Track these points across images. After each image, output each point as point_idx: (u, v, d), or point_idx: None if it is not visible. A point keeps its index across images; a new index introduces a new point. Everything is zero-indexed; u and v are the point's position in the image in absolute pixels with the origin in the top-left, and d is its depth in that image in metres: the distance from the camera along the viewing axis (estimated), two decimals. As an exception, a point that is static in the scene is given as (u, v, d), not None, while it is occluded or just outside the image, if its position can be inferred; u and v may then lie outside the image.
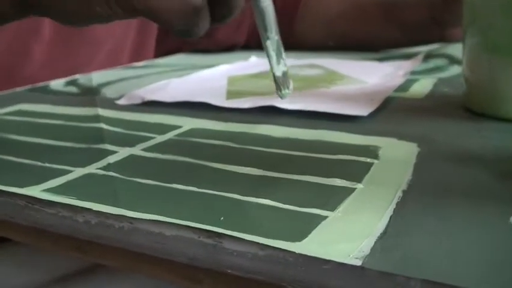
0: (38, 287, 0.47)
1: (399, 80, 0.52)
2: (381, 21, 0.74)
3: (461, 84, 0.44)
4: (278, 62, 0.31)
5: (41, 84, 0.57)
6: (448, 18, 0.68)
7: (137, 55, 0.76)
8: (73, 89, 0.55)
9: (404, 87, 0.50)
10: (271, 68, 0.32)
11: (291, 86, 0.32)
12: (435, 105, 0.43)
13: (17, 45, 0.61)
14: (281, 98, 0.32)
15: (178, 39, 0.80)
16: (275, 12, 0.31)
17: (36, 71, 0.62)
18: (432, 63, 0.63)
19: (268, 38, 0.31)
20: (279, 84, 0.32)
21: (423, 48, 0.73)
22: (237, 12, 0.30)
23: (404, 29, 0.72)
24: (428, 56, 0.66)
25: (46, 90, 0.54)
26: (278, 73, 0.32)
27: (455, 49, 0.70)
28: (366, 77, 0.54)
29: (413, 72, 0.57)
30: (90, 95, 0.51)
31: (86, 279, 0.48)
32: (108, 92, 0.52)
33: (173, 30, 0.29)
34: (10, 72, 0.61)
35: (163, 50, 0.80)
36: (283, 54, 0.32)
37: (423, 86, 0.50)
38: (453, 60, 0.63)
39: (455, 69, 0.58)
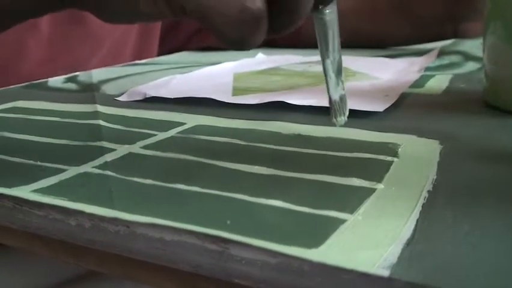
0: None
1: (414, 76, 0.50)
2: (393, 16, 0.72)
3: (478, 80, 0.41)
4: (337, 84, 0.29)
5: (39, 81, 0.55)
6: (463, 13, 0.65)
7: (139, 54, 0.74)
8: (72, 85, 0.53)
9: (419, 83, 0.47)
10: (328, 90, 0.29)
11: (348, 111, 0.29)
12: (453, 101, 0.41)
13: (12, 41, 0.59)
14: (336, 125, 0.29)
15: (182, 38, 0.78)
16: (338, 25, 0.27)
17: (34, 68, 0.60)
18: (447, 59, 0.60)
19: (328, 57, 0.28)
20: (335, 109, 0.29)
21: (436, 45, 0.71)
22: (299, 22, 0.25)
23: (416, 25, 0.70)
24: (442, 53, 0.64)
25: (44, 87, 0.52)
26: (335, 97, 0.29)
27: (469, 46, 0.67)
28: (379, 73, 0.51)
29: (427, 69, 0.54)
30: (89, 92, 0.49)
31: (84, 285, 0.46)
32: (108, 89, 0.50)
33: (224, 39, 0.24)
34: (6, 69, 0.59)
35: (166, 49, 0.78)
36: (343, 76, 0.29)
37: (439, 82, 0.47)
38: (468, 57, 0.61)
39: (471, 66, 0.56)
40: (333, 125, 0.29)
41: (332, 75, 0.28)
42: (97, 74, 0.58)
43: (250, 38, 0.24)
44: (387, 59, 0.62)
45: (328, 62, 0.28)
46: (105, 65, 0.65)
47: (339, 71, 0.28)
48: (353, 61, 0.59)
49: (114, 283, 0.45)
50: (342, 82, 0.29)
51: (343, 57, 0.65)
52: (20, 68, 0.60)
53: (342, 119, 0.29)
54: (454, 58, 0.61)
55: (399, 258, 0.18)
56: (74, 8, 0.30)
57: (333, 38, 0.27)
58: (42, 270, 0.46)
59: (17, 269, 0.46)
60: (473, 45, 0.65)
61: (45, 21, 0.61)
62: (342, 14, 0.82)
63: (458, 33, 0.70)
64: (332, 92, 0.29)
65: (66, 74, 0.58)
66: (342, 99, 0.29)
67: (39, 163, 0.29)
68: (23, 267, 0.46)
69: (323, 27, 0.27)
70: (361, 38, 0.73)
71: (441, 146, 0.30)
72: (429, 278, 0.17)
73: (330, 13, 0.27)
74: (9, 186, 0.26)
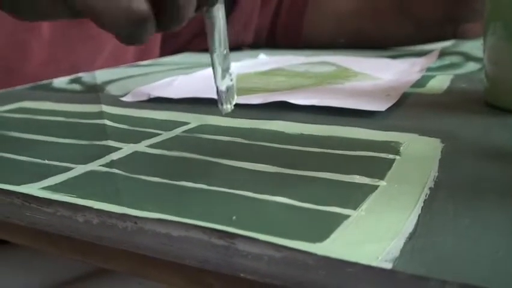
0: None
1: (415, 76, 0.50)
2: (394, 18, 0.72)
3: (479, 80, 0.42)
4: (223, 76, 0.31)
5: (43, 82, 0.55)
6: (463, 14, 0.66)
7: (141, 56, 0.74)
8: (76, 86, 0.53)
9: (420, 83, 0.48)
10: (215, 81, 0.31)
11: (234, 101, 0.31)
12: (455, 101, 0.41)
13: (15, 42, 0.59)
14: (222, 112, 0.31)
15: (184, 40, 0.79)
16: (226, 23, 0.30)
17: (37, 69, 0.61)
18: (448, 60, 0.61)
19: (215, 51, 0.30)
20: (222, 98, 0.31)
21: (437, 46, 0.71)
22: (183, 22, 0.28)
23: (418, 26, 0.70)
24: (442, 54, 0.65)
25: (48, 88, 0.52)
26: (222, 87, 0.31)
27: (470, 46, 0.68)
28: (381, 74, 0.52)
29: (428, 69, 0.55)
30: (94, 93, 0.49)
31: (91, 283, 0.46)
32: (112, 90, 0.50)
33: (117, 37, 0.28)
34: (9, 70, 0.59)
35: (168, 50, 0.79)
36: (231, 70, 0.31)
37: (440, 82, 0.48)
38: (468, 58, 0.61)
39: (472, 66, 0.56)
40: (220, 112, 0.31)
41: (218, 67, 0.31)
42: (100, 75, 0.59)
43: (138, 35, 0.27)
44: (388, 60, 0.63)
45: (215, 55, 0.30)
46: (108, 67, 0.66)
47: (226, 64, 0.31)
48: (355, 62, 0.60)
49: (119, 281, 0.45)
50: (230, 74, 0.31)
51: (345, 58, 0.66)
52: (23, 69, 0.60)
53: (228, 107, 0.31)
54: (455, 59, 0.61)
55: (402, 251, 0.19)
56: None
57: (220, 34, 0.30)
58: (48, 269, 0.46)
59: (24, 266, 0.47)
60: (474, 46, 0.66)
61: (46, 23, 0.61)
62: (344, 15, 0.82)
63: (458, 34, 0.70)
64: (218, 83, 0.31)
65: (69, 75, 0.59)
66: (229, 89, 0.31)
67: (46, 162, 0.30)
68: (29, 265, 0.46)
69: (210, 24, 0.30)
70: (363, 39, 0.74)
71: (443, 144, 0.30)
72: (433, 271, 0.17)
73: (216, 11, 0.30)
74: (18, 183, 0.26)
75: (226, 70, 0.31)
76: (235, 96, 0.32)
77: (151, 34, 0.28)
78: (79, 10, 0.27)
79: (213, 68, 0.31)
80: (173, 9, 0.27)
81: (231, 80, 0.31)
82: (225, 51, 0.31)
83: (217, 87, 0.31)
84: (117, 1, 0.26)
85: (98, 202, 0.24)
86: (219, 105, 0.31)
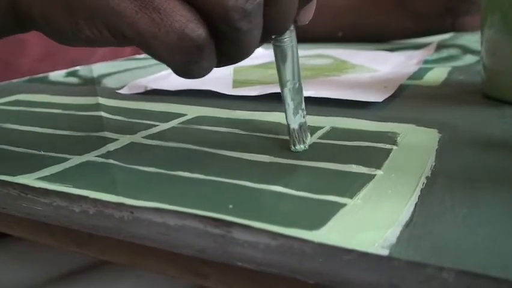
0: (39, 284, 0.45)
1: (412, 68, 0.50)
2: (393, 10, 0.72)
3: (477, 72, 0.42)
4: (296, 113, 0.28)
5: (40, 75, 0.55)
6: (461, 7, 0.66)
7: (138, 50, 0.74)
8: (73, 79, 0.53)
9: (418, 75, 0.47)
10: (287, 118, 0.28)
11: (309, 140, 0.29)
12: (452, 93, 0.41)
13: (11, 37, 0.59)
14: (294, 152, 0.28)
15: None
16: (298, 52, 0.27)
17: (34, 63, 0.60)
18: (446, 52, 0.60)
19: (286, 85, 0.27)
20: (294, 138, 0.28)
21: (434, 39, 0.71)
22: (250, 53, 0.24)
23: (416, 19, 0.70)
24: (440, 46, 0.64)
25: (45, 81, 0.52)
26: (294, 125, 0.28)
27: (467, 39, 0.68)
28: (378, 66, 0.52)
29: (426, 61, 0.54)
30: (90, 85, 0.49)
31: (89, 277, 0.46)
32: (109, 82, 0.50)
33: (169, 66, 0.24)
34: (7, 64, 0.59)
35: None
36: (303, 104, 0.28)
37: (438, 74, 0.48)
38: (466, 50, 0.61)
39: (469, 58, 0.56)
40: (293, 151, 0.28)
41: (290, 103, 0.28)
42: (97, 68, 0.59)
43: (194, 66, 0.23)
44: (386, 53, 0.63)
45: (286, 90, 0.27)
46: (106, 61, 0.65)
47: (299, 98, 0.28)
48: (353, 55, 0.60)
49: (117, 274, 0.45)
50: (303, 110, 0.28)
51: (342, 51, 0.66)
52: (20, 63, 0.60)
53: (302, 147, 0.28)
54: (453, 51, 0.61)
55: (399, 239, 0.19)
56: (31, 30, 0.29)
57: (292, 65, 0.27)
58: (44, 262, 0.46)
59: (20, 260, 0.47)
60: (471, 39, 0.66)
61: None
62: (342, 9, 0.82)
63: (456, 27, 0.70)
64: (291, 121, 0.28)
65: (67, 69, 0.58)
66: (302, 127, 0.28)
67: (42, 153, 0.30)
68: (26, 258, 0.46)
69: (280, 54, 0.27)
70: (360, 32, 0.73)
71: (440, 135, 0.30)
72: (429, 258, 0.17)
73: (287, 40, 0.26)
74: (14, 174, 0.26)
75: (298, 105, 0.28)
76: (309, 135, 0.29)
77: (210, 66, 0.24)
78: (125, 36, 0.23)
79: (284, 104, 0.28)
80: (235, 36, 0.23)
81: (304, 116, 0.28)
82: (297, 84, 0.27)
83: (288, 125, 0.28)
84: (169, 25, 0.22)
85: (94, 192, 0.24)
86: (291, 146, 0.28)
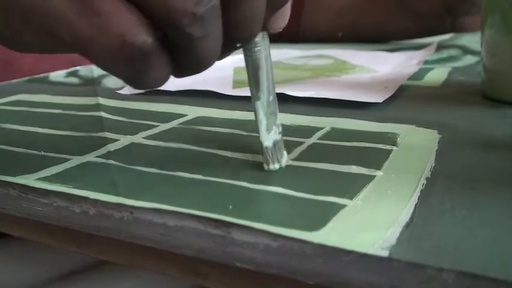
0: (39, 284, 0.45)
1: (413, 69, 0.50)
2: (393, 10, 0.72)
3: (477, 73, 0.42)
4: (269, 129, 0.25)
5: (40, 75, 0.55)
6: (461, 7, 0.66)
7: None
8: (73, 79, 0.53)
9: (418, 75, 0.47)
10: (260, 135, 0.26)
11: (285, 159, 0.26)
12: (452, 93, 0.41)
13: None
14: (268, 171, 0.26)
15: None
16: (272, 63, 0.24)
17: (35, 63, 0.60)
18: (446, 53, 0.60)
19: (258, 99, 0.25)
20: (268, 156, 0.25)
21: (434, 39, 0.71)
22: (208, 63, 0.22)
23: (416, 19, 0.70)
24: (440, 47, 0.64)
25: (45, 81, 0.52)
26: (267, 143, 0.25)
27: (468, 40, 0.68)
28: (378, 66, 0.52)
29: (426, 62, 0.55)
30: (91, 86, 0.49)
31: (89, 277, 0.46)
32: (109, 83, 0.50)
33: (114, 76, 0.21)
34: (7, 64, 0.59)
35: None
36: (278, 120, 0.26)
37: (438, 75, 0.48)
38: (466, 51, 0.61)
39: (469, 59, 0.56)
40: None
41: (263, 118, 0.25)
42: (97, 69, 0.59)
43: (141, 75, 0.20)
44: (386, 53, 0.63)
45: (258, 104, 0.25)
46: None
47: (272, 114, 0.25)
48: (353, 55, 0.60)
49: (117, 274, 0.45)
50: (278, 126, 0.26)
51: (343, 51, 0.66)
52: (21, 63, 0.60)
53: (276, 166, 0.26)
54: (453, 52, 0.61)
55: (399, 239, 0.19)
56: None
57: (266, 76, 0.25)
58: (44, 262, 0.46)
59: (22, 259, 0.47)
60: (472, 40, 0.66)
61: None
62: (342, 9, 0.82)
63: (456, 28, 0.70)
64: (264, 138, 0.26)
65: (67, 69, 0.59)
66: (276, 145, 0.26)
67: (43, 153, 0.30)
68: (26, 258, 0.46)
69: (252, 65, 0.24)
70: (361, 33, 0.74)
71: (440, 136, 0.30)
72: (429, 259, 0.17)
73: (259, 50, 0.24)
74: (15, 175, 0.26)
75: (272, 121, 0.25)
76: (285, 153, 0.26)
77: (163, 77, 0.21)
78: (66, 41, 0.20)
79: (256, 119, 0.25)
80: (187, 43, 0.20)
81: (279, 132, 0.26)
82: (271, 98, 0.25)
83: (261, 143, 0.26)
84: (109, 29, 0.19)
85: (94, 192, 0.24)
86: (264, 165, 0.26)
